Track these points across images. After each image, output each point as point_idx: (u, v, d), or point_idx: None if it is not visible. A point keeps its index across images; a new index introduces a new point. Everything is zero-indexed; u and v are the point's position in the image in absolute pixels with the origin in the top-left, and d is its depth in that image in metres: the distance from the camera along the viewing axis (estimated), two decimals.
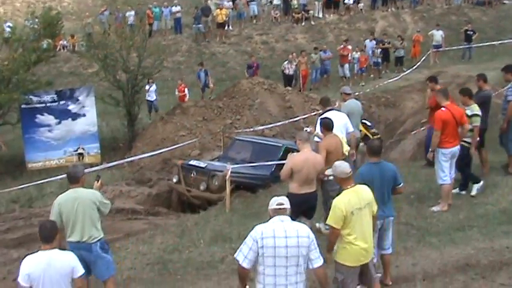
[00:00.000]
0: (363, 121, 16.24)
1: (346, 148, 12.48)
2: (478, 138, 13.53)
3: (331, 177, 11.02)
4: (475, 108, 13.41)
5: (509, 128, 14.11)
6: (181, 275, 11.14)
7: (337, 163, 8.90)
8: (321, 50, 33.65)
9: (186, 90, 28.94)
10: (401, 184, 9.70)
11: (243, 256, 7.16)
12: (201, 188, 16.97)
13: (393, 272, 10.23)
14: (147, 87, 26.63)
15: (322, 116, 13.15)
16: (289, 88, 28.86)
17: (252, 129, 23.18)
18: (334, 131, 12.63)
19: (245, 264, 7.16)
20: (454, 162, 12.88)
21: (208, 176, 16.90)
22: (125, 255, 12.26)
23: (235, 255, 7.31)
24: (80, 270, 7.66)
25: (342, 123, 13.43)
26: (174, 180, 18.02)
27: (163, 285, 10.75)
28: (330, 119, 12.53)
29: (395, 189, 9.64)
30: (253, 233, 7.19)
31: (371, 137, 15.96)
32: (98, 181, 9.96)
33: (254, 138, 19.22)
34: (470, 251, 10.82)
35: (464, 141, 13.19)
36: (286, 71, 31.86)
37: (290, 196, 9.39)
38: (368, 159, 9.79)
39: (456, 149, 12.67)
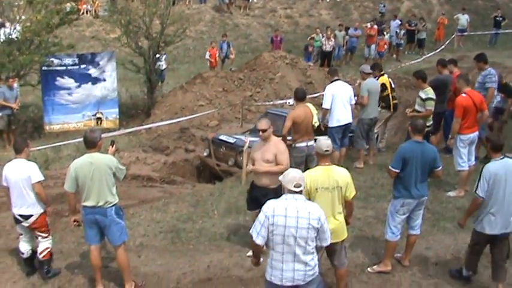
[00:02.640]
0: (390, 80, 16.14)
1: (315, 120, 12.79)
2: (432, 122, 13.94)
3: (299, 144, 12.48)
4: (429, 92, 13.65)
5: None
6: (194, 245, 11.17)
7: (319, 138, 8.94)
8: (348, 28, 33.42)
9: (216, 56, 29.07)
10: (440, 167, 9.57)
11: (256, 232, 7.20)
12: (229, 163, 16.92)
13: None
14: (157, 55, 26.54)
15: (296, 88, 14.66)
16: (311, 64, 28.67)
17: (271, 103, 23.11)
18: (339, 101, 13.90)
19: (259, 241, 7.20)
20: (473, 149, 12.83)
21: (236, 152, 16.81)
22: (139, 222, 12.29)
23: (250, 231, 7.36)
24: (36, 178, 9.52)
25: (346, 94, 14.24)
26: (205, 154, 18.00)
27: (175, 253, 10.76)
28: (302, 89, 13.71)
29: (433, 172, 9.53)
30: (264, 209, 7.23)
31: (391, 99, 15.89)
32: (112, 146, 10.02)
33: (285, 111, 19.12)
34: None
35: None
36: (324, 47, 31.57)
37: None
38: (412, 137, 9.64)
39: (475, 135, 12.61)
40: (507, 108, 16.15)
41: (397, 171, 9.34)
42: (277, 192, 8.90)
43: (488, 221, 9.00)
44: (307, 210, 7.17)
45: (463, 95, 12.52)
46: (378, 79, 15.44)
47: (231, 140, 17.28)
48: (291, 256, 7.15)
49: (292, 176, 7.31)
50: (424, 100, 13.56)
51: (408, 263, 9.97)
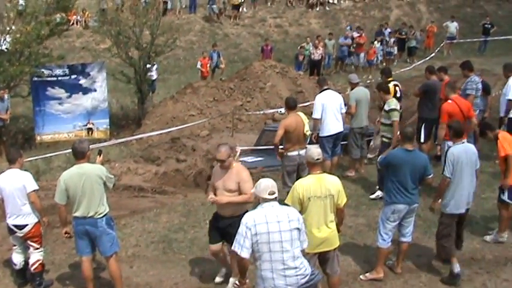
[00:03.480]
0: (395, 82, 15.58)
1: (306, 128, 12.61)
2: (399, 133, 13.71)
3: (290, 153, 12.32)
4: (392, 103, 13.45)
5: None
6: (186, 255, 11.14)
7: (309, 147, 9.00)
8: (346, 37, 33.57)
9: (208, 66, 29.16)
10: (431, 175, 9.72)
11: (240, 245, 7.14)
12: None
13: None
14: (148, 65, 26.61)
15: (287, 97, 14.24)
16: (301, 73, 28.75)
17: (262, 112, 23.14)
18: (329, 110, 13.90)
19: (244, 254, 7.13)
20: None
21: None
22: (130, 233, 12.27)
23: (232, 248, 7.33)
24: (31, 187, 9.60)
25: (337, 103, 14.24)
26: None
27: (167, 263, 10.76)
28: (292, 98, 13.54)
29: (424, 179, 9.69)
30: (244, 221, 7.20)
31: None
32: (100, 156, 10.03)
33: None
34: (476, 245, 10.86)
35: (384, 136, 13.42)
36: (313, 56, 31.63)
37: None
38: (401, 145, 9.74)
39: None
40: (487, 105, 16.12)
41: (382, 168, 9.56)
42: None
43: (455, 202, 9.79)
44: (285, 213, 7.24)
45: (449, 101, 12.73)
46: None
47: None
48: (280, 264, 7.12)
49: (264, 184, 7.34)
50: (387, 112, 13.44)
51: (400, 270, 10.01)
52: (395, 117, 13.23)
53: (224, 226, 9.18)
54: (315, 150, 8.53)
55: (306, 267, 7.32)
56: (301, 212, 8.04)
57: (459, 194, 9.77)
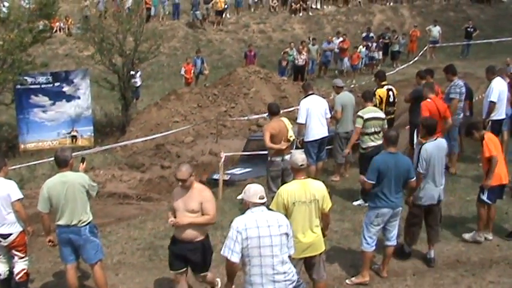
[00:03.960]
0: (389, 87, 15.67)
1: (290, 134, 12.65)
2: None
3: (274, 158, 12.29)
4: (364, 110, 13.49)
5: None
6: None
7: (294, 152, 9.02)
8: (329, 42, 33.68)
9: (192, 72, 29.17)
10: (414, 178, 9.78)
11: (230, 250, 7.08)
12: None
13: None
14: (132, 72, 26.60)
15: (270, 103, 14.37)
16: (285, 78, 28.75)
17: (246, 118, 23.15)
18: (314, 116, 13.96)
19: (234, 258, 7.08)
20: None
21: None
22: (116, 240, 12.22)
23: (221, 253, 7.22)
24: (16, 196, 9.46)
25: (322, 109, 14.27)
26: None
27: (153, 270, 10.72)
28: (275, 103, 13.66)
29: (407, 183, 9.75)
30: (235, 225, 7.14)
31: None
32: (83, 163, 9.99)
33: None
34: (461, 248, 10.88)
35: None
36: (296, 62, 31.70)
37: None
38: (385, 149, 9.80)
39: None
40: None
41: (373, 182, 9.44)
42: (205, 245, 8.77)
43: (425, 193, 10.14)
44: (275, 218, 7.26)
45: (428, 100, 13.11)
46: (378, 89, 15.32)
47: (226, 178, 16.63)
48: (270, 268, 7.10)
49: (254, 189, 7.34)
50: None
51: (386, 274, 10.02)
52: (358, 124, 13.19)
53: (184, 252, 8.70)
54: (299, 156, 8.49)
55: (294, 273, 7.34)
56: (286, 217, 8.01)
57: (430, 187, 10.15)
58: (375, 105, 14.42)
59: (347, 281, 9.94)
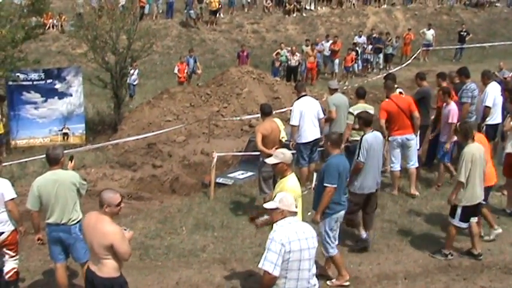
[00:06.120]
0: (399, 90, 15.20)
1: (282, 135, 12.89)
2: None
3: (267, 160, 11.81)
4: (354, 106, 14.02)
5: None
6: (162, 262, 11.09)
7: (282, 151, 9.00)
8: (317, 44, 33.70)
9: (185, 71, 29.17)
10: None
11: (272, 264, 6.65)
12: None
13: (375, 269, 10.30)
14: (131, 70, 26.54)
15: (262, 103, 14.41)
16: (278, 79, 28.72)
17: (238, 118, 23.10)
18: (307, 117, 13.99)
19: (276, 272, 6.67)
20: (410, 152, 13.64)
21: None
22: None
23: (260, 266, 6.79)
24: (9, 195, 9.39)
25: (314, 110, 14.31)
26: None
27: (143, 270, 10.68)
28: (267, 104, 13.81)
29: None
30: (277, 238, 6.68)
31: None
32: (71, 161, 9.91)
33: None
34: (453, 252, 10.85)
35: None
36: (289, 63, 31.72)
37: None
38: (331, 152, 9.82)
39: (404, 138, 13.39)
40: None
41: (335, 186, 9.50)
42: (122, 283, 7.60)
43: (365, 182, 10.79)
44: (307, 229, 6.94)
45: (386, 99, 13.59)
46: None
47: (229, 182, 16.62)
48: (305, 282, 6.91)
49: (290, 197, 7.05)
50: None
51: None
52: (349, 120, 13.84)
53: None
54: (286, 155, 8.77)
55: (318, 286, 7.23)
56: None
57: (368, 176, 10.81)
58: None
59: (328, 282, 9.91)
